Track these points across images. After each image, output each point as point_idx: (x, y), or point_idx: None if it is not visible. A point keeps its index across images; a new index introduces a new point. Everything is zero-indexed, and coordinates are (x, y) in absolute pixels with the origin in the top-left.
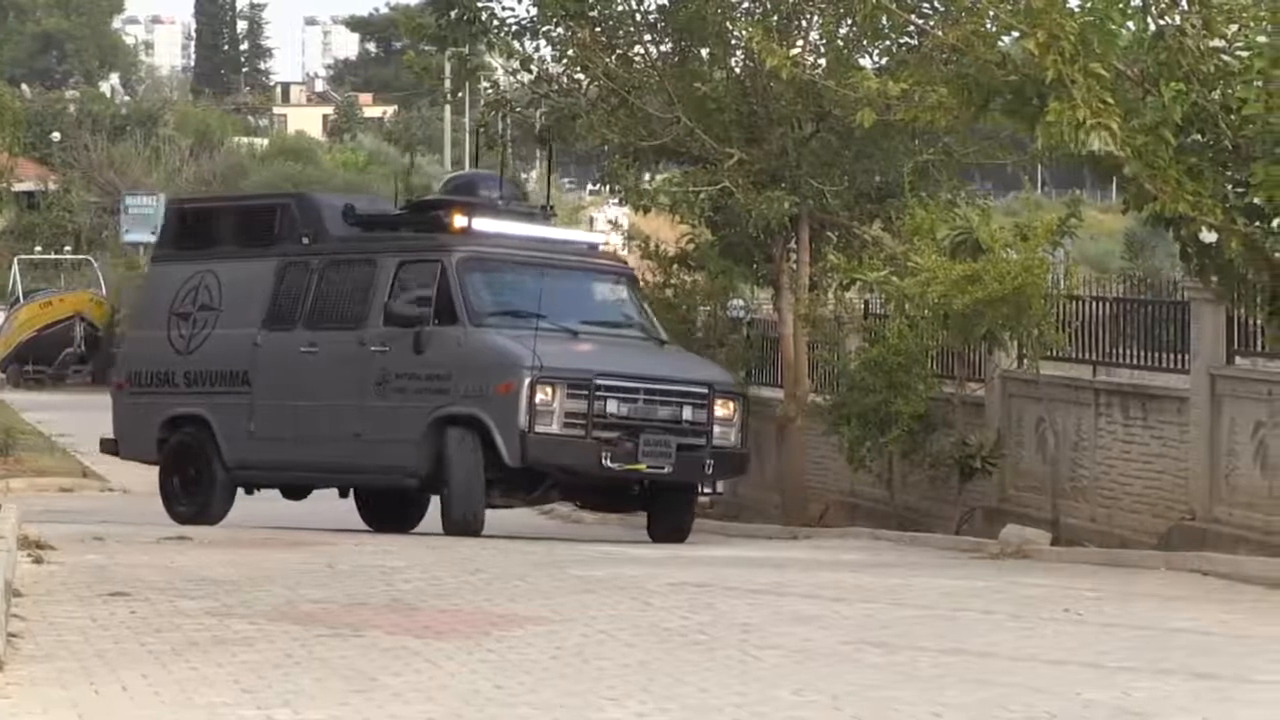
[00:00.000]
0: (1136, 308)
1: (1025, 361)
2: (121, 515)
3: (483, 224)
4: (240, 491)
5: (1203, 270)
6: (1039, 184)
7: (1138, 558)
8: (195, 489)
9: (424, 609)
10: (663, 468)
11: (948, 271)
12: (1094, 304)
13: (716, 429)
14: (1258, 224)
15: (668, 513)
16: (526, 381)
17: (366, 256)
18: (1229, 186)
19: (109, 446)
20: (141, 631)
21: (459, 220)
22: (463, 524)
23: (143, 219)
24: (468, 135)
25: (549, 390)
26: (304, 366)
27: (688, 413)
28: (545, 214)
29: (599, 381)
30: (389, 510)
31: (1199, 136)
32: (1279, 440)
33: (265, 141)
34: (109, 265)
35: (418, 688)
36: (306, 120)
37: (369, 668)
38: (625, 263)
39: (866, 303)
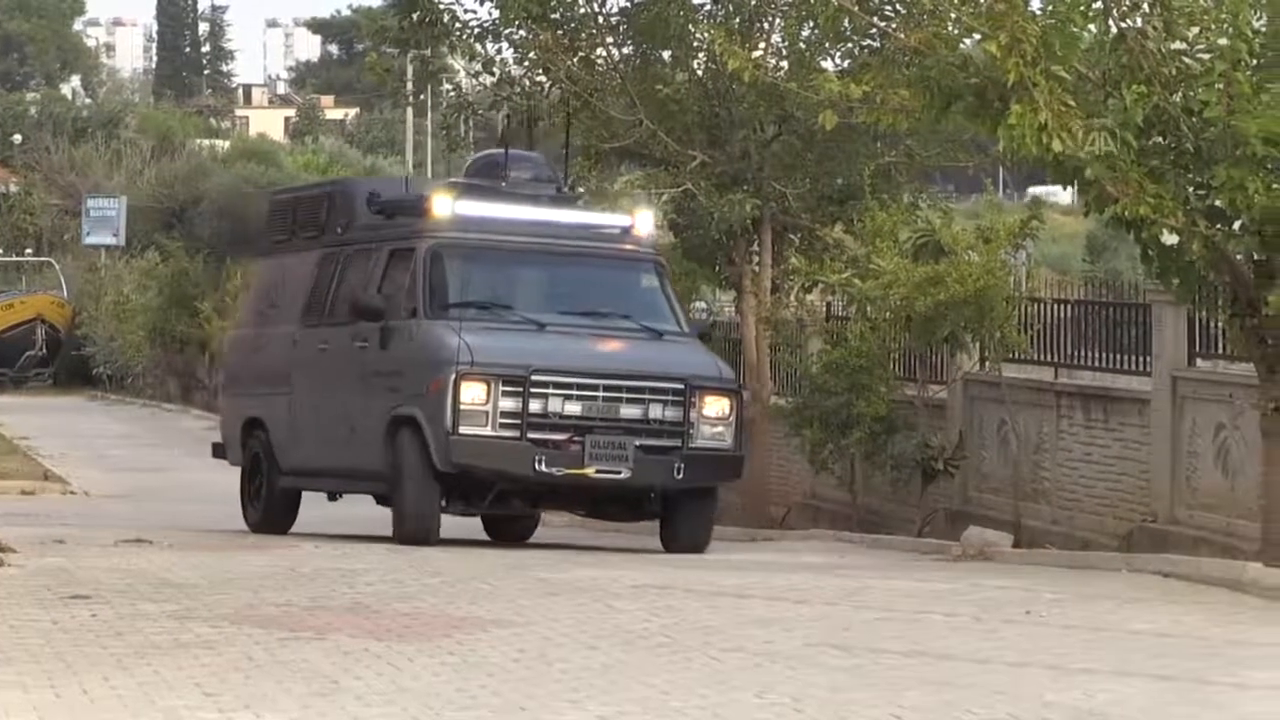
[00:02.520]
0: (1098, 310)
1: (987, 364)
2: (83, 518)
3: (469, 208)
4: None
5: (1164, 273)
6: (1000, 186)
7: (1099, 560)
8: (261, 494)
9: (386, 612)
10: (618, 472)
11: (910, 274)
12: (1056, 306)
13: (705, 428)
14: (1219, 226)
15: (681, 521)
16: (452, 378)
17: (370, 247)
18: (1190, 189)
19: (219, 451)
20: (103, 634)
21: (437, 205)
22: (410, 533)
23: (104, 221)
24: (429, 138)
25: (479, 387)
26: (322, 365)
27: (656, 411)
28: (564, 196)
29: (535, 377)
30: (503, 520)
31: (1160, 139)
32: (1240, 442)
33: (227, 144)
34: (71, 268)
35: (379, 690)
36: (268, 122)
37: (331, 670)
38: (651, 248)
39: (829, 305)
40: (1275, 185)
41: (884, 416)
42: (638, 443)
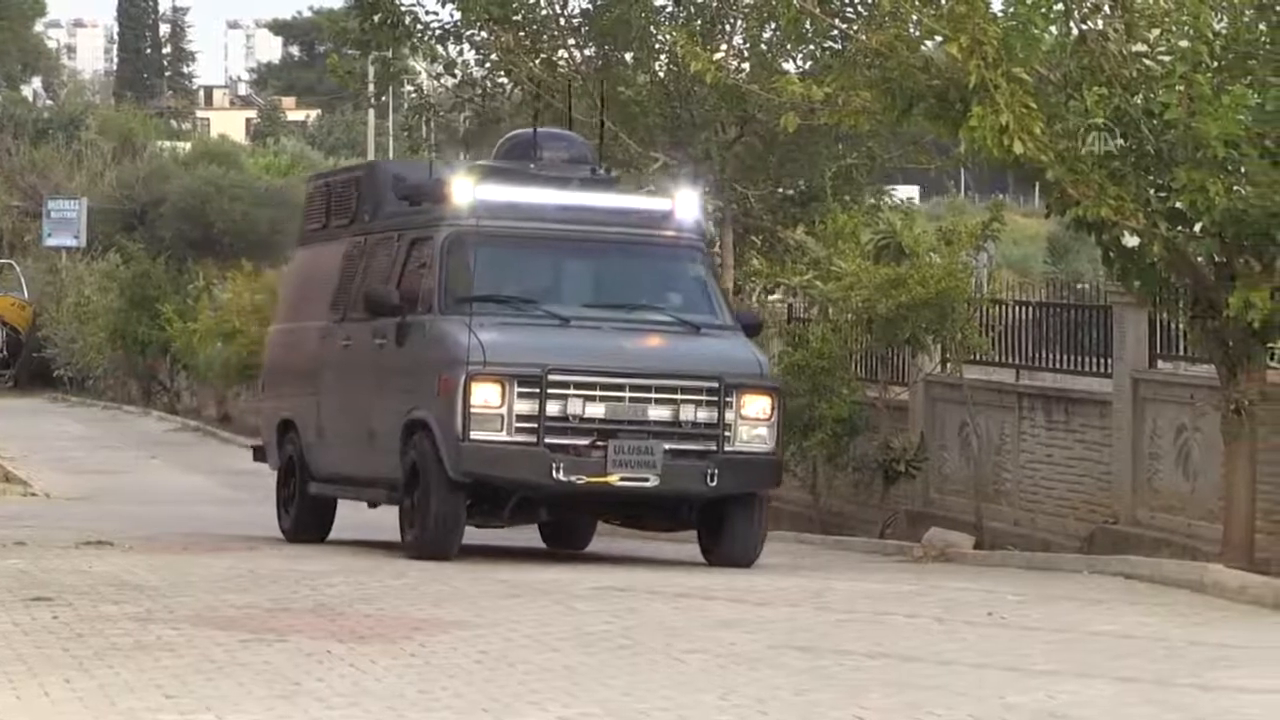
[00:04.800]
0: (1059, 311)
1: (949, 365)
2: (44, 520)
3: (492, 193)
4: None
5: (1125, 274)
6: (962, 188)
7: (1061, 561)
8: (294, 500)
9: (348, 614)
10: (646, 480)
11: (871, 275)
12: (1017, 308)
13: (742, 430)
14: (1180, 228)
15: (723, 531)
16: (462, 379)
17: (393, 235)
18: (1151, 191)
19: (259, 455)
20: (64, 636)
21: (457, 190)
22: (428, 547)
23: (64, 223)
24: (391, 139)
25: (492, 388)
26: (346, 363)
27: (688, 412)
28: (599, 179)
29: (552, 377)
30: (559, 530)
31: (1121, 141)
32: (1201, 444)
33: (188, 145)
34: (31, 269)
35: (341, 692)
36: (229, 124)
37: (292, 673)
38: (694, 233)
39: (790, 307)
40: (1236, 187)
41: (846, 418)
42: (667, 447)
